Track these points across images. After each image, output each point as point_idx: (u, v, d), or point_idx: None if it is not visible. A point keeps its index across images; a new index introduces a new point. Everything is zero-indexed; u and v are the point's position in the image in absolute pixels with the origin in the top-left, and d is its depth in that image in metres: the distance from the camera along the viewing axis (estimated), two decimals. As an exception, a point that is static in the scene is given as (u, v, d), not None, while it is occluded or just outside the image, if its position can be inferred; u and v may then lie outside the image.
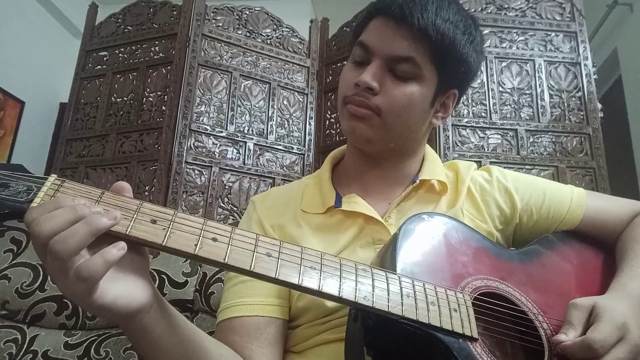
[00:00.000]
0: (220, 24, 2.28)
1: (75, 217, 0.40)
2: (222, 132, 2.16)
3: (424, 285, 0.52)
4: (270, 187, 2.17)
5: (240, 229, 0.48)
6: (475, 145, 1.99)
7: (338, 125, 2.29)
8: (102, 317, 0.47)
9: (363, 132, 0.68)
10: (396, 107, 0.65)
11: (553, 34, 2.13)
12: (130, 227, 0.43)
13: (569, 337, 0.53)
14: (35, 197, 0.43)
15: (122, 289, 0.44)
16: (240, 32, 2.31)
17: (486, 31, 2.12)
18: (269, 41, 2.37)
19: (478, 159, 1.93)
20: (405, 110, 0.66)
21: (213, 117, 2.17)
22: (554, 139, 2.01)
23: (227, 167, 2.13)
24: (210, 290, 0.98)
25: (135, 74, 2.27)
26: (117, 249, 0.41)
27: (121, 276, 0.44)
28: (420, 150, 0.77)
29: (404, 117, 0.67)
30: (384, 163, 0.74)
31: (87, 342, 0.93)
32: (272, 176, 2.21)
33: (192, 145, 2.08)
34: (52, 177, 0.45)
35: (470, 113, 2.03)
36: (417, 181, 0.73)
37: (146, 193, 2.02)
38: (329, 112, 2.36)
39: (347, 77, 0.69)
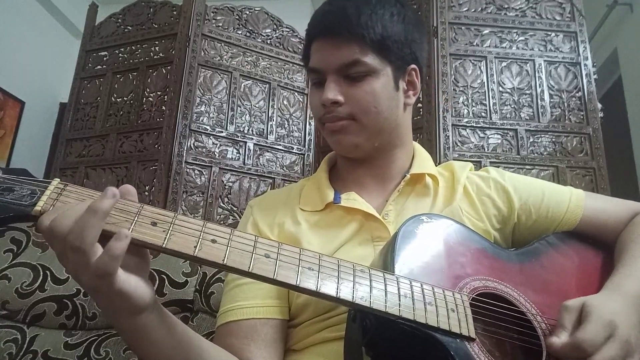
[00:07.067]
0: (220, 24, 2.28)
1: (83, 208, 0.43)
2: (222, 132, 2.16)
3: (421, 285, 0.52)
4: (270, 187, 2.18)
5: (238, 230, 0.48)
6: (475, 145, 1.99)
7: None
8: (117, 308, 0.48)
9: (348, 141, 0.72)
10: (365, 106, 0.70)
11: (553, 34, 2.13)
12: (131, 230, 0.44)
13: (561, 339, 0.53)
14: (38, 201, 0.44)
15: (137, 280, 0.47)
16: (240, 32, 2.31)
17: (486, 31, 2.12)
18: (269, 41, 2.37)
19: (478, 159, 1.93)
20: (375, 105, 0.70)
21: (213, 117, 2.17)
22: (554, 139, 2.01)
23: (227, 167, 2.13)
24: (210, 290, 0.98)
25: (135, 74, 2.28)
26: (118, 240, 0.43)
27: (130, 274, 0.46)
28: (407, 140, 0.79)
29: (376, 111, 0.70)
30: (375, 161, 0.77)
31: (87, 342, 0.93)
32: (272, 176, 2.21)
33: (192, 145, 2.08)
34: (56, 181, 0.46)
35: (470, 113, 2.03)
36: (408, 176, 0.75)
37: (146, 193, 2.02)
38: (329, 112, 2.36)
39: (314, 101, 0.75)
